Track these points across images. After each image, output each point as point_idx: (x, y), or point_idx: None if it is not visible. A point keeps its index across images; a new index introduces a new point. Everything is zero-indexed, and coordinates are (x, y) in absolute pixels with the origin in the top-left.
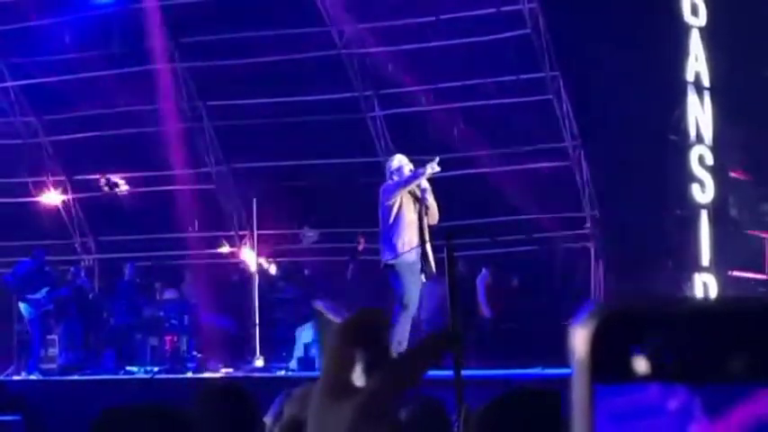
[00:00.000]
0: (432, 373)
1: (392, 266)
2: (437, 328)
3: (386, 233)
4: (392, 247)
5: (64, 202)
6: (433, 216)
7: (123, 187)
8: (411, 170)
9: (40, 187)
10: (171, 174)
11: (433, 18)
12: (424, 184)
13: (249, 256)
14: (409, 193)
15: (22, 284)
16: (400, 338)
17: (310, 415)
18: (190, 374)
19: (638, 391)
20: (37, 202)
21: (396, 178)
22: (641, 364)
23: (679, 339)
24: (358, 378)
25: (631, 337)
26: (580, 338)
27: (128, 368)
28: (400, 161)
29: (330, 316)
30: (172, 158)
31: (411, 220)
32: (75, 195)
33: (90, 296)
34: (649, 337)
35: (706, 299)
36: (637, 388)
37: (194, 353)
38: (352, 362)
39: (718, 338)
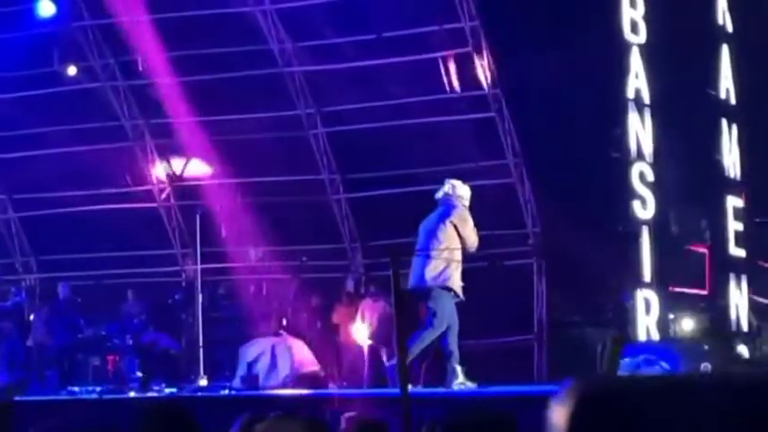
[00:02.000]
0: (377, 391)
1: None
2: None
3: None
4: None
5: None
6: None
7: None
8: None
9: None
10: (115, 192)
11: (375, 36)
12: None
13: (193, 275)
14: None
15: None
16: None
17: None
18: (132, 394)
19: None
20: None
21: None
22: None
23: (656, 419)
24: None
25: (609, 416)
26: (558, 416)
27: (70, 388)
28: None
29: None
30: (115, 176)
31: None
32: (16, 214)
33: (28, 316)
34: (626, 415)
35: (682, 376)
36: None
37: (137, 372)
38: None
39: (694, 416)
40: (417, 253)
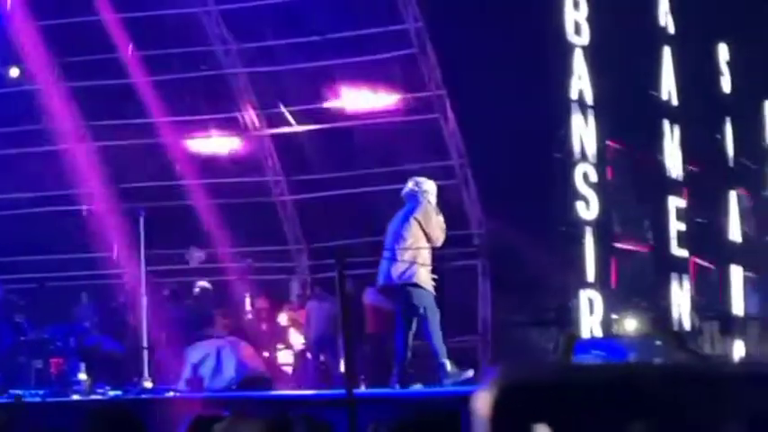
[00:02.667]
0: (322, 393)
1: None
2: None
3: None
4: None
5: None
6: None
7: None
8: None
9: None
10: (59, 194)
11: (318, 38)
12: None
13: (137, 277)
14: None
15: None
16: None
17: None
18: (76, 397)
19: None
20: None
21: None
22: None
23: (577, 408)
24: None
25: (531, 405)
26: (482, 404)
27: (11, 391)
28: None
29: None
30: (59, 179)
31: None
32: None
33: None
34: (548, 404)
35: (605, 366)
36: None
37: (80, 375)
38: None
39: (615, 406)
40: (384, 251)
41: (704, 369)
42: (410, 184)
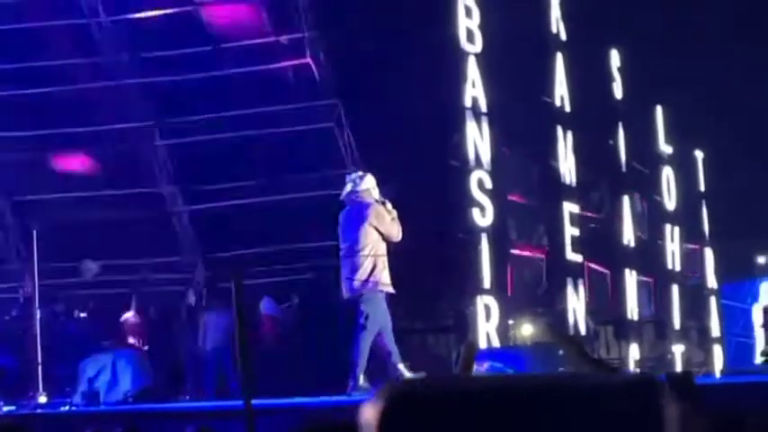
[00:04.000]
0: (220, 403)
1: None
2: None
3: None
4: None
5: None
6: None
7: None
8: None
9: None
10: None
11: (210, 48)
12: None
13: (30, 291)
14: None
15: None
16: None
17: None
18: None
19: None
20: None
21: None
22: None
23: (462, 419)
24: None
25: (417, 417)
26: (369, 416)
27: None
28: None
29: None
30: None
31: None
32: None
33: None
34: (434, 416)
35: (491, 377)
36: None
37: None
38: None
39: (499, 417)
40: (343, 260)
41: (583, 381)
42: (349, 186)
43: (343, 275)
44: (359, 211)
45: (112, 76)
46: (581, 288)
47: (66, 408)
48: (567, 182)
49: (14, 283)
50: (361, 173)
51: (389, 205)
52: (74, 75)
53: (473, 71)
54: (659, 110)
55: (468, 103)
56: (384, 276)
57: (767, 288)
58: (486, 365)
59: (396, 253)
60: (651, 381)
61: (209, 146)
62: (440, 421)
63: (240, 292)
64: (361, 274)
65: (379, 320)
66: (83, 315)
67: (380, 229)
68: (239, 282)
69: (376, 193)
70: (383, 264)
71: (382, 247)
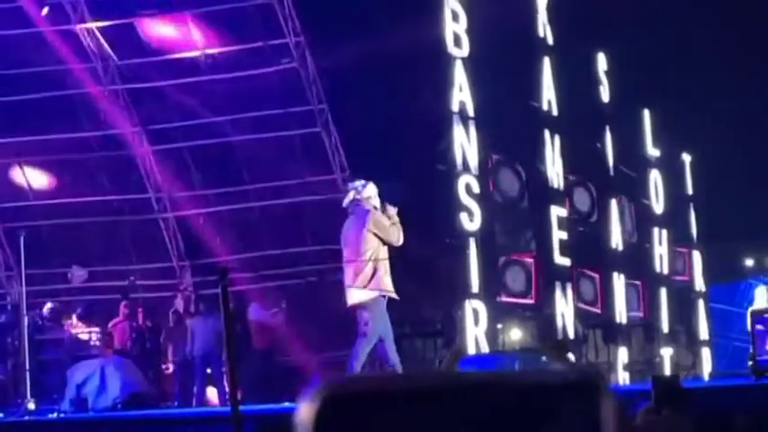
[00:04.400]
0: (208, 410)
1: None
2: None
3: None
4: None
5: None
6: None
7: None
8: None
9: None
10: None
11: (199, 53)
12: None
13: (18, 297)
14: None
15: None
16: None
17: None
18: None
19: None
20: None
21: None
22: None
23: (398, 417)
24: None
25: (353, 415)
26: (304, 416)
27: None
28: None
29: None
30: None
31: None
32: None
33: None
34: (370, 414)
35: (428, 374)
36: None
37: None
38: None
39: (436, 414)
40: (346, 268)
41: (523, 378)
42: (351, 194)
43: (345, 283)
44: (358, 219)
45: (99, 82)
46: (569, 291)
47: (55, 415)
48: (555, 186)
49: (1, 290)
50: (363, 181)
51: (392, 210)
52: (60, 80)
53: (460, 75)
54: (647, 113)
55: (455, 107)
56: (386, 282)
57: (762, 292)
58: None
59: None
60: (592, 379)
61: (195, 151)
62: (376, 420)
63: (227, 296)
64: (362, 280)
65: (379, 328)
66: (71, 321)
67: (380, 234)
68: (225, 285)
69: (376, 201)
70: (385, 269)
71: (383, 253)
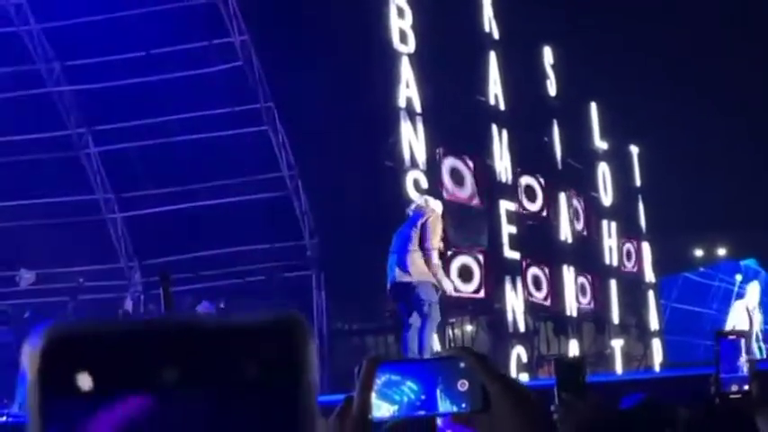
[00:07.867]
0: None
1: None
2: None
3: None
4: None
5: None
6: None
7: None
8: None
9: None
10: None
11: (144, 53)
12: None
13: None
14: None
15: None
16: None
17: None
18: None
19: (89, 405)
20: None
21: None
22: (86, 381)
23: (116, 357)
24: None
25: (74, 356)
26: (29, 359)
27: None
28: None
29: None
30: None
31: None
32: None
33: None
34: (90, 355)
35: (144, 320)
36: (88, 402)
37: None
38: None
39: (150, 355)
40: (392, 254)
41: (224, 321)
42: (420, 201)
43: (391, 268)
44: (413, 219)
45: (43, 84)
46: (519, 285)
47: (4, 419)
48: (504, 180)
49: None
50: (431, 197)
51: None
52: (4, 82)
53: (407, 71)
54: (593, 106)
55: (402, 103)
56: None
57: (753, 288)
58: (383, 378)
59: (331, 255)
60: (289, 321)
61: (142, 151)
62: (94, 359)
63: (168, 297)
64: (410, 263)
65: (434, 308)
66: (19, 324)
67: (427, 234)
68: (167, 287)
69: (439, 214)
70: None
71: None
